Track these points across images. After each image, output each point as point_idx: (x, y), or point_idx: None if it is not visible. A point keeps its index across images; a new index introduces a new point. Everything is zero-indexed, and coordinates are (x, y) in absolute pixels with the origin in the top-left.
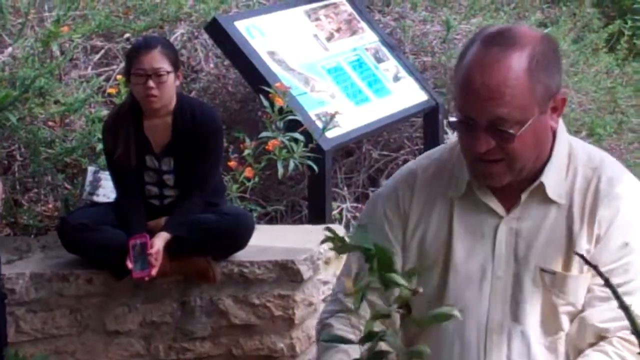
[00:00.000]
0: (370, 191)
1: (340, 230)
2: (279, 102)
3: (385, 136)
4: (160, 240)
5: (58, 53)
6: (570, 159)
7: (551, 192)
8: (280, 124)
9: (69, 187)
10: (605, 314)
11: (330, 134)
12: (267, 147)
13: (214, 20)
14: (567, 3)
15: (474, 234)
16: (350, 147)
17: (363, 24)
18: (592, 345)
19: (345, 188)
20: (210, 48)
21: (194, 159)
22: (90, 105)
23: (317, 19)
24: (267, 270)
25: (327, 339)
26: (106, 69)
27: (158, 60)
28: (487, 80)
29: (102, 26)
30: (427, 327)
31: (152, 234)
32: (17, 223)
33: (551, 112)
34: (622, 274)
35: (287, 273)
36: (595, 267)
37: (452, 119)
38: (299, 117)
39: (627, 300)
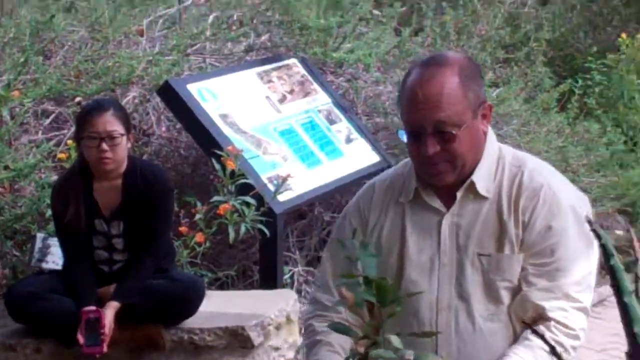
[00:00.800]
0: (323, 254)
1: (291, 295)
2: (231, 166)
3: (337, 198)
4: (111, 312)
5: (8, 118)
6: (499, 161)
7: (481, 188)
8: (232, 188)
9: (17, 254)
10: (540, 294)
11: (282, 197)
12: (218, 211)
13: (166, 83)
14: (518, 63)
15: (423, 231)
16: (302, 210)
17: (316, 86)
18: (533, 318)
19: (297, 252)
20: (162, 111)
21: (144, 222)
22: (40, 170)
23: (270, 81)
24: (217, 337)
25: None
26: (57, 133)
27: (111, 122)
28: (427, 92)
29: (53, 90)
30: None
31: (102, 301)
32: None
33: (482, 118)
34: (550, 254)
35: (238, 339)
36: None
37: (402, 133)
38: (250, 181)
39: (557, 275)
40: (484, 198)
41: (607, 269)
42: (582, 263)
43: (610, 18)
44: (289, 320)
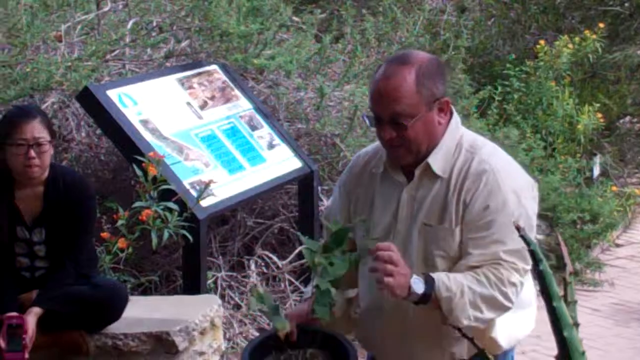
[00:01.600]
0: (246, 259)
1: (215, 300)
2: (153, 171)
3: (260, 204)
4: (33, 319)
5: None
6: (457, 146)
7: (437, 169)
8: (154, 194)
9: None
10: (476, 258)
11: (204, 202)
12: (140, 217)
13: (86, 89)
14: None
15: (387, 199)
16: (224, 216)
17: (237, 92)
18: None
19: (220, 257)
20: (82, 117)
21: (66, 229)
22: None
23: (191, 87)
24: (142, 342)
25: None
26: None
27: (39, 129)
28: (386, 87)
29: None
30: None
31: (24, 307)
32: None
33: (438, 111)
34: (485, 229)
35: (162, 345)
36: None
37: (365, 117)
38: (173, 186)
39: (493, 245)
40: (438, 177)
41: (536, 274)
42: (517, 237)
43: (528, 26)
44: (213, 325)
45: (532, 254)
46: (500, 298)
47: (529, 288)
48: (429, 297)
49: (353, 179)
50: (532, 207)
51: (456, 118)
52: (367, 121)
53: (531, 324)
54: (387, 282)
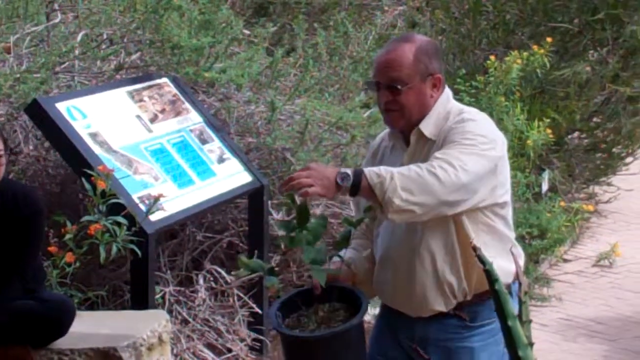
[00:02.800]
0: (194, 274)
1: (163, 315)
2: (102, 185)
3: (209, 218)
4: None
5: None
6: (448, 114)
7: (427, 133)
8: (103, 207)
9: None
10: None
11: (153, 217)
12: (89, 231)
13: (34, 101)
14: None
15: (395, 163)
16: (173, 230)
17: (187, 105)
18: None
19: (169, 271)
20: (30, 129)
21: (13, 243)
22: None
23: (141, 100)
24: (88, 358)
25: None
26: None
27: None
28: (387, 58)
29: None
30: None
31: None
32: None
33: (431, 86)
34: (448, 144)
35: None
36: None
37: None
38: (122, 200)
39: (450, 147)
40: (429, 140)
41: (492, 293)
42: (475, 157)
43: (478, 41)
44: (161, 340)
45: (488, 273)
46: (429, 178)
47: (509, 223)
48: (359, 187)
49: (371, 155)
50: (495, 156)
51: (448, 92)
52: (368, 87)
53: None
54: (310, 192)
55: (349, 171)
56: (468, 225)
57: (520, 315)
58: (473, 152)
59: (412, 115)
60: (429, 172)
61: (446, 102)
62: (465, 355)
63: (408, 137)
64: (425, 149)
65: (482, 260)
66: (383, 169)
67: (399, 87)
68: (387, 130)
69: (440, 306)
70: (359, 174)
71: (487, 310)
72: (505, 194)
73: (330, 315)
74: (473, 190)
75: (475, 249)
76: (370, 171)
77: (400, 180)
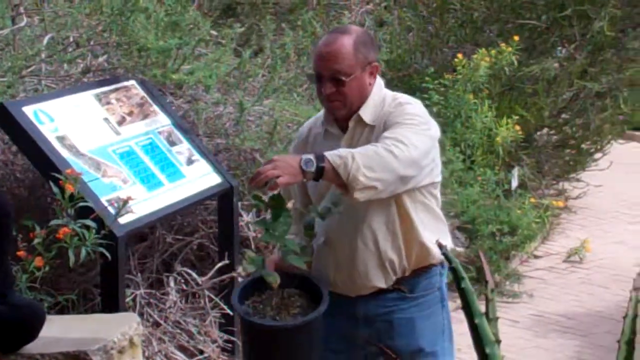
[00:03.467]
0: (165, 276)
1: (134, 317)
2: (70, 189)
3: (179, 220)
4: None
5: None
6: (383, 100)
7: (367, 120)
8: (72, 211)
9: None
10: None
11: (123, 219)
12: (57, 235)
13: (1, 105)
14: None
15: (331, 149)
16: (143, 232)
17: (155, 107)
18: None
19: (139, 274)
20: None
21: None
22: None
23: (108, 103)
24: None
25: None
26: None
27: None
28: (328, 50)
29: None
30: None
31: None
32: None
33: (369, 75)
34: (392, 127)
35: None
36: None
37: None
38: (90, 204)
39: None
40: (367, 125)
41: (458, 292)
42: (420, 136)
43: (446, 39)
44: (132, 343)
45: (454, 271)
46: (387, 155)
47: (439, 204)
48: (323, 170)
49: (301, 142)
50: (434, 135)
51: (380, 80)
52: (309, 79)
53: (449, 241)
54: (280, 182)
55: (311, 156)
56: (408, 204)
57: (487, 313)
58: (417, 131)
59: (354, 104)
60: (385, 149)
61: (381, 89)
62: (406, 326)
63: (343, 124)
64: (364, 135)
65: (448, 259)
66: (343, 151)
67: (343, 78)
68: (315, 117)
69: (380, 283)
70: (321, 158)
71: (425, 281)
72: (439, 174)
73: (286, 302)
74: (421, 166)
75: (440, 246)
76: (331, 154)
77: (361, 159)
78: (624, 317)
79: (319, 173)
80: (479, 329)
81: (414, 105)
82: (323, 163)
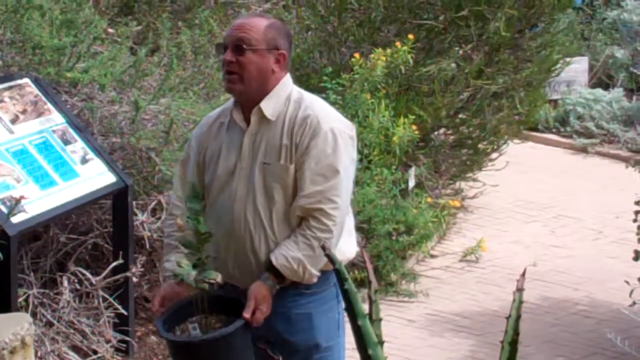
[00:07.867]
0: (58, 276)
1: (26, 318)
2: None
3: (73, 219)
4: None
5: None
6: (288, 97)
7: (268, 113)
8: None
9: None
10: (305, 199)
11: (15, 219)
12: None
13: None
14: None
15: (233, 143)
16: (37, 232)
17: (50, 106)
18: (300, 217)
19: (32, 273)
20: None
21: None
22: None
23: (2, 101)
24: None
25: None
26: None
27: None
28: (239, 23)
29: None
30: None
31: None
32: None
33: (275, 60)
34: (312, 165)
35: None
36: None
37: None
38: None
39: (317, 181)
40: (271, 121)
41: (342, 293)
42: (339, 174)
43: (344, 39)
44: (24, 344)
45: (338, 273)
46: (318, 250)
47: (351, 218)
48: (283, 283)
49: (205, 131)
50: (347, 145)
51: (289, 76)
52: (216, 51)
53: (355, 247)
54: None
55: (268, 275)
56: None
57: (370, 314)
58: (340, 182)
59: (251, 82)
60: (316, 244)
61: (287, 85)
62: (304, 321)
63: (248, 116)
64: (268, 131)
65: (332, 260)
66: (291, 260)
67: (244, 46)
68: (226, 105)
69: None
70: (279, 277)
71: (321, 278)
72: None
73: (210, 322)
74: (347, 204)
75: (324, 248)
76: (282, 267)
77: (306, 262)
78: (507, 318)
79: (281, 284)
80: (362, 330)
81: (322, 117)
82: (282, 280)
